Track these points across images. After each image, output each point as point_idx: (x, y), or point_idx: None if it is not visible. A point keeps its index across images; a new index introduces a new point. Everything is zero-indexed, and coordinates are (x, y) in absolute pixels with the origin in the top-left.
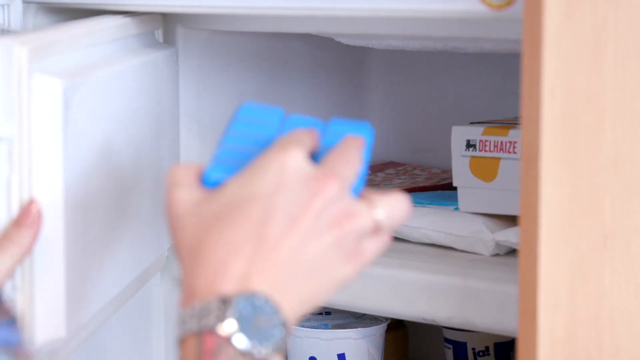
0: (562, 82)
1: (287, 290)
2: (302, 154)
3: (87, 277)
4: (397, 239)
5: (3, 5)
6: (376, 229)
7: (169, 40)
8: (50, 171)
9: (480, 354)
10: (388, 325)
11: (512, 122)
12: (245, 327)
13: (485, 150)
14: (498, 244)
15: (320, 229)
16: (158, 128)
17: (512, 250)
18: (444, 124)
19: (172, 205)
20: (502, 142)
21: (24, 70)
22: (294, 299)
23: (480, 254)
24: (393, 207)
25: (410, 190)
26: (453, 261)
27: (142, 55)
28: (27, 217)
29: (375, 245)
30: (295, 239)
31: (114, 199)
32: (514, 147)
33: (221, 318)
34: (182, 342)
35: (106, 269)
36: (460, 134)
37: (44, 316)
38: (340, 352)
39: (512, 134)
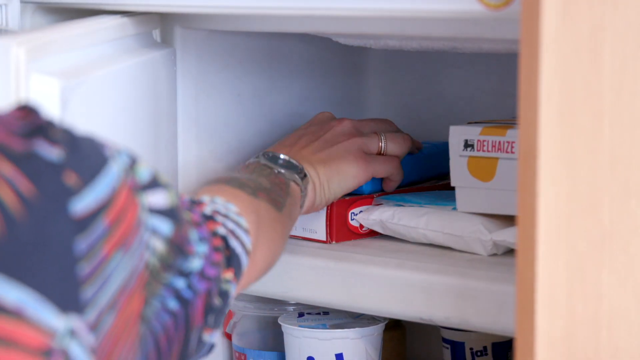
0: (559, 82)
1: (309, 170)
2: (330, 113)
3: None
4: (394, 239)
5: (1, 5)
6: (382, 151)
7: (166, 40)
8: None
9: (478, 354)
10: (386, 325)
11: (510, 122)
12: (275, 161)
13: (483, 150)
14: (496, 244)
15: (336, 140)
16: (156, 128)
17: (510, 250)
18: (442, 124)
19: None
20: (500, 142)
21: (21, 70)
22: (314, 176)
23: (478, 254)
24: (396, 137)
25: (408, 190)
26: (451, 261)
27: (140, 55)
28: None
29: (382, 161)
30: (317, 144)
31: None
32: (512, 147)
33: (266, 155)
34: None
35: None
36: (458, 134)
37: None
38: (338, 352)
39: (510, 134)
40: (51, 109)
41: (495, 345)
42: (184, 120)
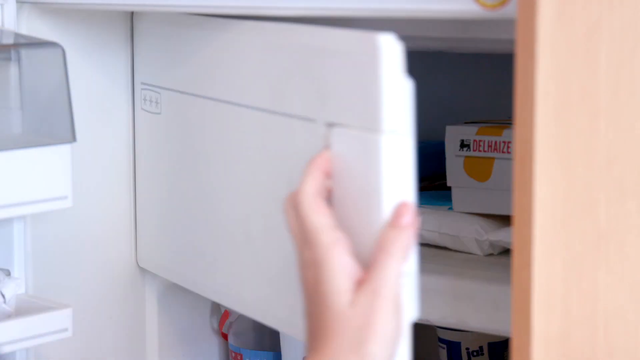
0: (555, 82)
1: None
2: None
3: None
4: None
5: None
6: None
7: None
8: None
9: (474, 353)
10: None
11: (506, 122)
12: None
13: (480, 150)
14: (492, 244)
15: None
16: None
17: (506, 250)
18: (438, 124)
19: None
20: (496, 142)
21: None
22: None
23: (474, 254)
24: None
25: None
26: (447, 261)
27: None
28: (404, 218)
29: None
30: None
31: None
32: (508, 147)
33: None
34: None
35: None
36: (454, 134)
37: None
38: None
39: (506, 134)
40: (406, 109)
41: (492, 345)
42: None
